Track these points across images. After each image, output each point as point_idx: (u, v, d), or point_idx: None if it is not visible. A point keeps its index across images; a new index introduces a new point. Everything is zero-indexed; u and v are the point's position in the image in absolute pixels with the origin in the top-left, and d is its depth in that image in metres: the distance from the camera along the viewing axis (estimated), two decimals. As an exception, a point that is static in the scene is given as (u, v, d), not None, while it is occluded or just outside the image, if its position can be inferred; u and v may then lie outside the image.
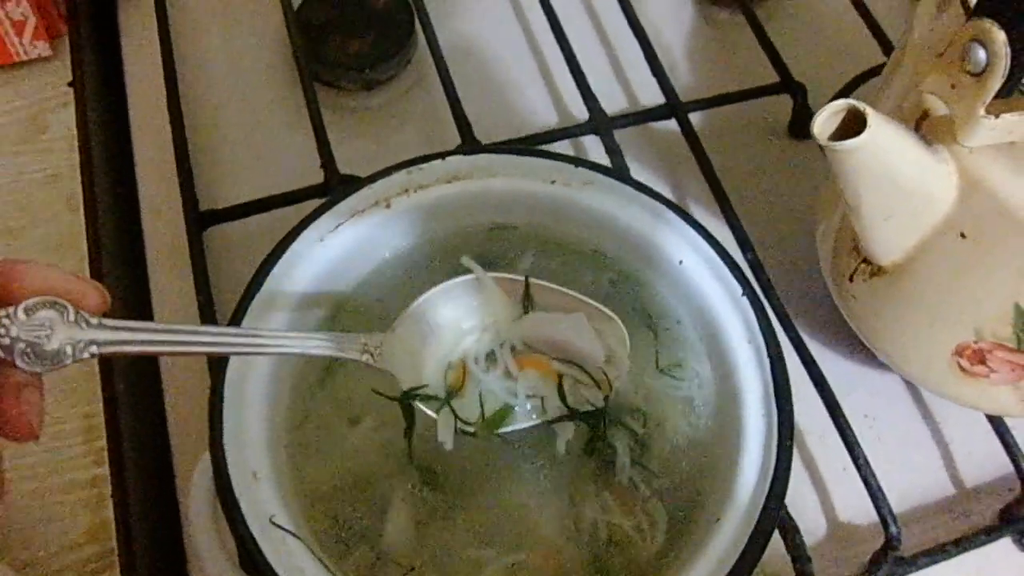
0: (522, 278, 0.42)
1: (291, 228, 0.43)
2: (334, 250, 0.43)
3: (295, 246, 0.41)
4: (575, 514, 0.41)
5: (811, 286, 0.59)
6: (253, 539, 0.35)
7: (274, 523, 0.36)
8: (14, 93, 0.62)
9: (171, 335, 0.32)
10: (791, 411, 0.38)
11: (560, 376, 0.42)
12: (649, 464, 0.42)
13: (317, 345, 0.37)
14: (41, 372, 0.29)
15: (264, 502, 0.36)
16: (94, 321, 0.30)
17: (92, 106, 0.63)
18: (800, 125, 0.64)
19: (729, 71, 0.68)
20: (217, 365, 0.40)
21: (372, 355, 0.38)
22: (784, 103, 0.64)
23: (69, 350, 0.29)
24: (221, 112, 0.65)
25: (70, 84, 0.62)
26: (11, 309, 0.28)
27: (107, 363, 0.52)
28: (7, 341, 0.28)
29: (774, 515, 0.36)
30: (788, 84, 0.63)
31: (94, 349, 0.29)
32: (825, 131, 0.37)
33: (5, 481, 0.31)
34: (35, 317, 0.28)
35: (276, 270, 0.41)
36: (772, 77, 0.64)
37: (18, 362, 0.28)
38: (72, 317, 0.29)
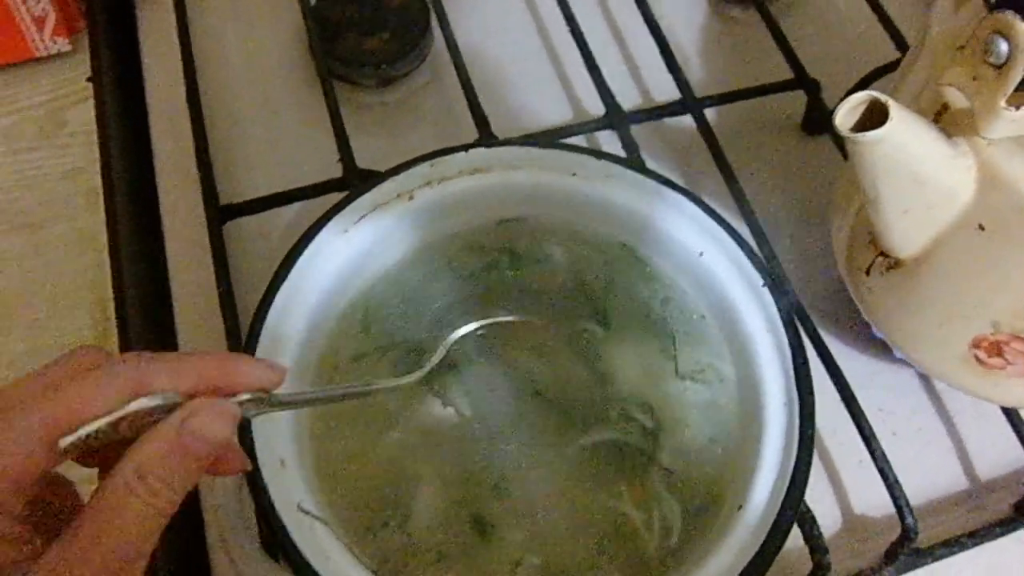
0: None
1: (315, 220, 0.43)
2: (358, 241, 0.43)
3: (320, 237, 0.42)
4: (588, 502, 0.41)
5: (825, 281, 0.59)
6: (283, 525, 0.35)
7: (302, 509, 0.36)
8: (34, 88, 0.63)
9: (313, 395, 0.38)
10: (812, 399, 0.39)
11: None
12: (665, 460, 0.42)
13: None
14: None
15: (291, 489, 0.37)
16: (275, 400, 0.34)
17: (111, 101, 0.63)
18: (814, 121, 0.65)
19: (743, 68, 0.68)
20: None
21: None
22: (798, 99, 0.64)
23: (252, 417, 0.34)
24: (238, 108, 0.65)
25: (89, 79, 0.63)
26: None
27: (126, 349, 0.52)
28: None
29: (797, 501, 0.36)
30: (802, 80, 0.63)
31: (267, 411, 0.34)
32: (847, 123, 0.37)
33: None
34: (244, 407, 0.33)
35: (301, 260, 0.41)
36: (786, 73, 0.64)
37: None
38: (265, 404, 0.33)
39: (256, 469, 0.36)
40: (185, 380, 0.30)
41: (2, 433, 0.27)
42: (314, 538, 0.36)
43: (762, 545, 0.35)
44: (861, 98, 0.37)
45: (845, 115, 0.37)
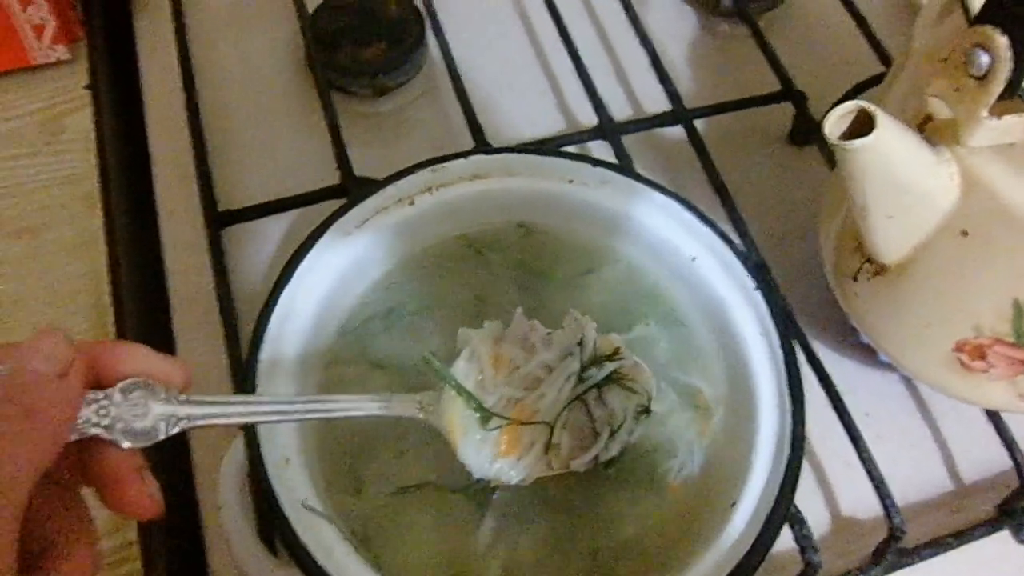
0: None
1: (314, 226, 0.44)
2: (360, 244, 0.44)
3: (323, 240, 0.42)
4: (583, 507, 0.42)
5: (812, 290, 0.61)
6: (288, 521, 0.36)
7: (306, 506, 0.37)
8: (33, 95, 0.63)
9: (247, 406, 0.35)
10: (803, 400, 0.40)
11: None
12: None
13: (379, 406, 0.39)
14: (138, 447, 0.31)
15: (296, 487, 0.38)
16: (181, 398, 0.32)
17: (108, 109, 0.64)
18: (801, 132, 0.66)
19: (732, 81, 0.70)
20: (246, 359, 0.41)
21: (426, 411, 0.40)
22: (785, 111, 0.66)
23: (162, 426, 0.31)
24: (234, 116, 0.66)
25: (87, 87, 0.64)
26: (110, 391, 0.31)
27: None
28: (107, 421, 0.30)
29: (789, 498, 0.37)
30: (789, 92, 0.65)
31: (184, 423, 0.32)
32: (835, 131, 0.38)
33: None
34: (130, 397, 0.31)
35: (304, 264, 0.42)
36: (774, 86, 0.66)
37: (119, 440, 0.31)
38: (163, 395, 0.32)
39: (261, 467, 0.37)
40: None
41: None
42: (318, 535, 0.36)
43: (756, 540, 0.36)
44: (849, 107, 0.38)
45: (834, 123, 0.38)
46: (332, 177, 0.58)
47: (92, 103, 0.63)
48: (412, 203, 0.44)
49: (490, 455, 0.40)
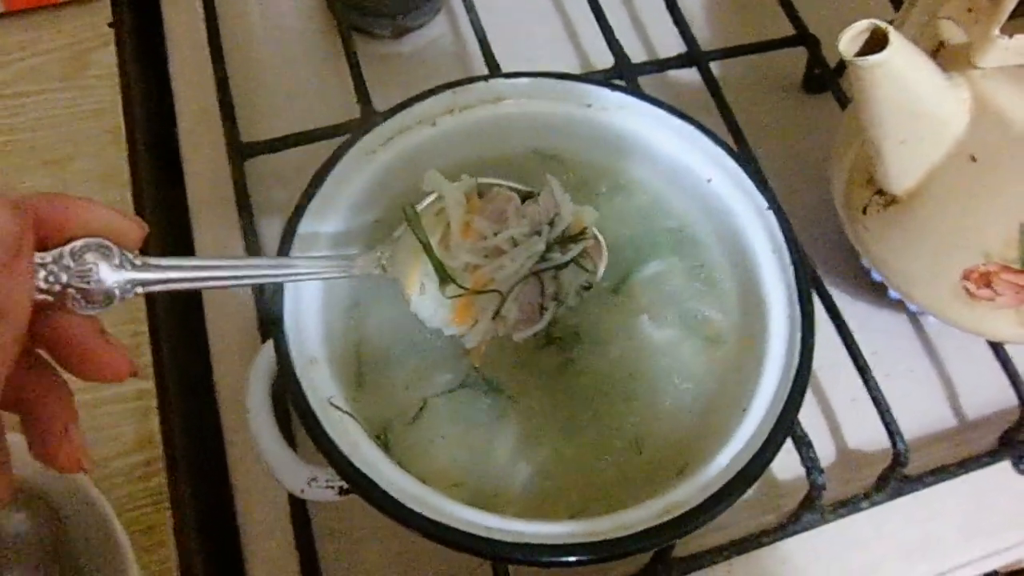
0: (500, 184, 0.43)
1: (342, 143, 0.45)
2: (383, 163, 0.45)
3: (347, 157, 0.44)
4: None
5: (823, 233, 0.62)
6: (315, 416, 0.37)
7: (332, 404, 0.38)
8: (58, 32, 0.64)
9: (209, 270, 0.34)
10: (812, 311, 0.41)
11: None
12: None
13: (342, 270, 0.39)
14: (92, 314, 0.29)
15: (321, 386, 0.39)
16: (138, 261, 0.30)
17: (131, 45, 0.65)
18: (814, 78, 0.67)
19: (747, 25, 0.71)
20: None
21: (384, 267, 0.40)
22: (799, 58, 0.67)
23: (116, 291, 0.30)
24: (256, 55, 0.67)
25: (110, 24, 0.65)
26: (58, 253, 0.28)
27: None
28: (58, 287, 0.28)
29: (798, 403, 0.39)
30: (803, 37, 0.66)
31: (139, 289, 0.30)
32: (851, 49, 0.39)
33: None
34: (82, 260, 0.29)
35: (329, 179, 0.43)
36: (788, 30, 0.66)
37: (70, 306, 0.29)
38: (117, 259, 0.30)
39: (289, 366, 0.38)
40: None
41: None
42: (344, 430, 0.38)
43: (766, 440, 0.37)
44: (864, 25, 0.39)
45: (850, 40, 0.39)
46: (353, 112, 0.59)
47: (115, 40, 0.64)
48: (434, 124, 0.45)
49: (444, 319, 0.41)
